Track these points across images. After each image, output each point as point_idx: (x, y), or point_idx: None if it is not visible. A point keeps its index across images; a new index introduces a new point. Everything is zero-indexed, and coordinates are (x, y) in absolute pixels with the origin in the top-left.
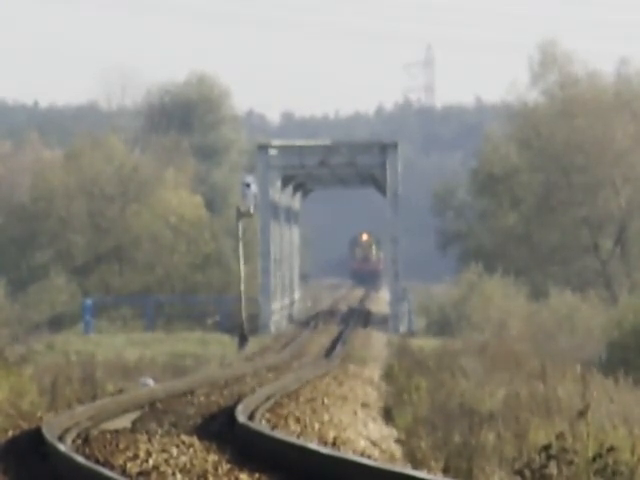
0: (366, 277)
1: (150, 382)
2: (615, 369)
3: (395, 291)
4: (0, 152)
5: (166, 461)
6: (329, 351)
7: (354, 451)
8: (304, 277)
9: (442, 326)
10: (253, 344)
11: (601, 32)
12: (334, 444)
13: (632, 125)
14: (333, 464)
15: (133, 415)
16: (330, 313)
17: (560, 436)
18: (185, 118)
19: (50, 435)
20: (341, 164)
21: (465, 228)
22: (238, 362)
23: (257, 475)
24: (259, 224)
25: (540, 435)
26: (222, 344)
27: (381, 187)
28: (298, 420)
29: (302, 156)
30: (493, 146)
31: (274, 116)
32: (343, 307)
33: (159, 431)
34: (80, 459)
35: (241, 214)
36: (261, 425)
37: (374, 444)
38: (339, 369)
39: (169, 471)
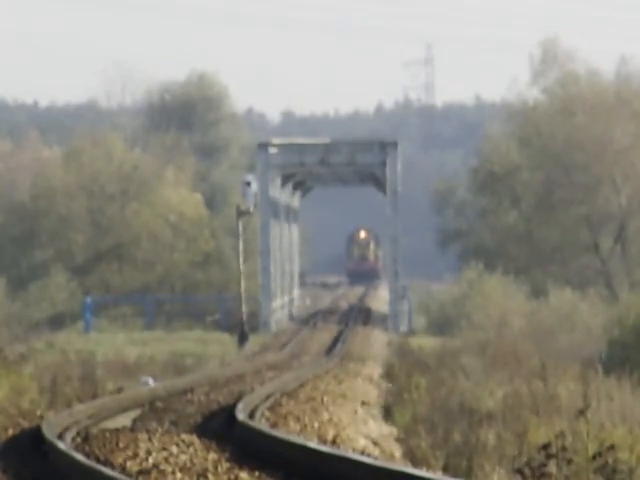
0: (364, 277)
1: (150, 381)
2: (615, 367)
3: (395, 289)
4: (0, 151)
5: (166, 459)
6: (329, 349)
7: (354, 449)
8: (304, 275)
9: (442, 325)
10: (253, 342)
11: (602, 30)
12: (334, 442)
13: (632, 123)
14: (333, 462)
15: (133, 414)
16: (330, 311)
17: (560, 435)
18: (185, 117)
19: (50, 433)
20: (341, 162)
21: (465, 226)
22: (238, 361)
23: (257, 473)
24: (259, 222)
25: (540, 434)
26: (222, 343)
27: (381, 185)
28: (298, 419)
29: (302, 154)
30: (493, 144)
31: (274, 114)
32: (343, 305)
33: (159, 430)
34: (80, 457)
35: (241, 212)
36: (261, 424)
37: (374, 443)
38: (339, 368)
39: (169, 470)
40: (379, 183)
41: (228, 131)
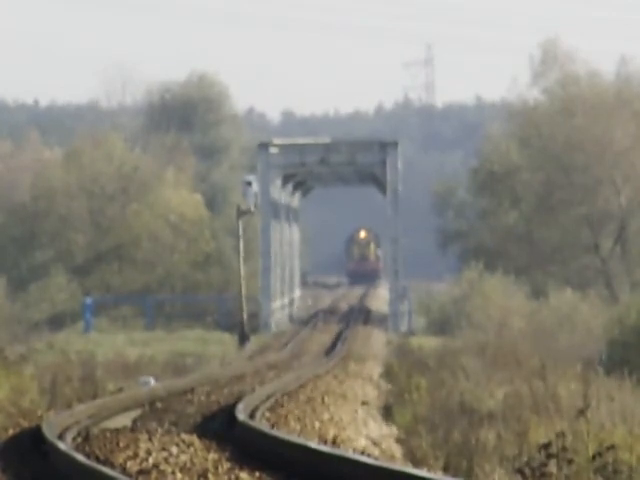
0: (364, 277)
1: (150, 381)
2: (616, 368)
3: (395, 290)
4: (0, 151)
5: (166, 460)
6: (329, 350)
7: (354, 450)
8: (306, 275)
9: (442, 325)
10: (253, 343)
11: (602, 30)
12: (334, 443)
13: (632, 124)
14: (334, 463)
15: (133, 414)
16: (330, 312)
17: (560, 435)
18: (186, 117)
19: (50, 433)
20: (341, 162)
21: (465, 227)
22: (238, 361)
23: (257, 474)
24: (260, 223)
25: (540, 434)
26: (222, 343)
27: (381, 185)
28: (298, 419)
29: (302, 154)
30: (493, 144)
31: (274, 115)
32: (343, 306)
33: (159, 430)
34: (80, 457)
35: (242, 213)
36: (261, 424)
37: (374, 443)
38: (339, 368)
39: (169, 470)
40: (379, 183)
41: (228, 131)
